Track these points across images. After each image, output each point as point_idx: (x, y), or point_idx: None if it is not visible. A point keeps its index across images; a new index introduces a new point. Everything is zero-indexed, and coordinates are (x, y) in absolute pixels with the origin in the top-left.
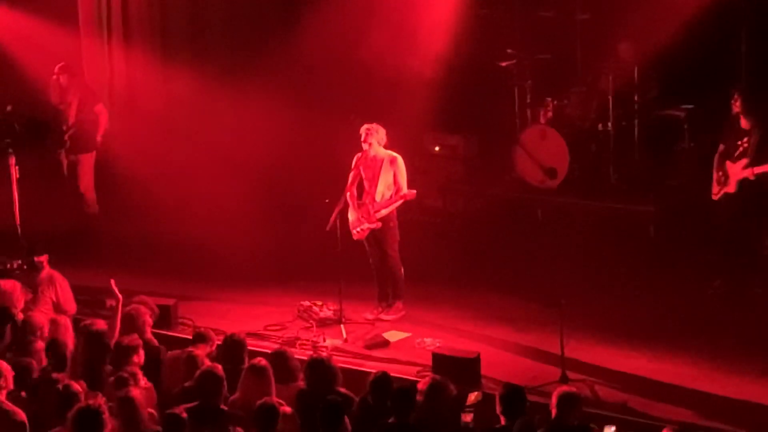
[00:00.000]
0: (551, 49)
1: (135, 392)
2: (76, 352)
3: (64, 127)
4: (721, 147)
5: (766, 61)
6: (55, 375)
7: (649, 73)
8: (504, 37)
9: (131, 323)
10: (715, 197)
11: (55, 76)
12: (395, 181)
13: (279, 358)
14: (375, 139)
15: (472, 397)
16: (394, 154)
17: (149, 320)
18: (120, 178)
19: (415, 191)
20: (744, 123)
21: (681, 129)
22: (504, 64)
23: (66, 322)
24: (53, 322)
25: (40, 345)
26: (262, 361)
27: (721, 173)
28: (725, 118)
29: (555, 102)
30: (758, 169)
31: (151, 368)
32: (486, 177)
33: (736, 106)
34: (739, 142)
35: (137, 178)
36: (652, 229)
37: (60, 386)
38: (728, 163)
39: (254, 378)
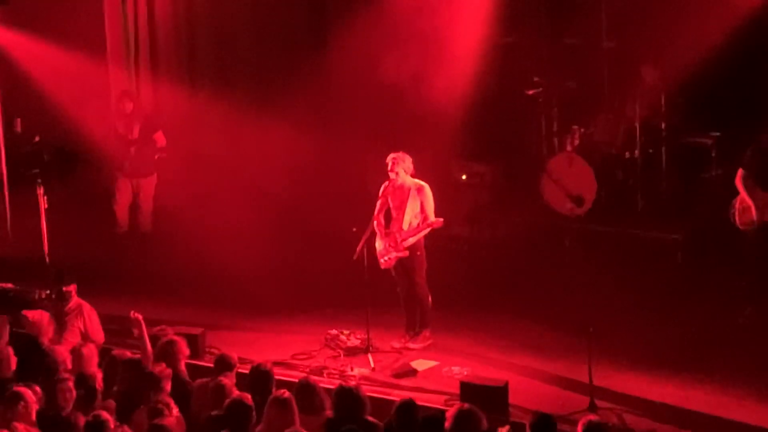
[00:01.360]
0: (577, 77)
1: (169, 421)
2: (105, 382)
3: (127, 153)
4: (743, 172)
5: None
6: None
7: (676, 100)
8: (530, 65)
9: (166, 353)
10: (744, 226)
11: (119, 103)
12: (422, 210)
13: (304, 389)
14: (401, 168)
15: (504, 430)
16: (422, 182)
17: (185, 351)
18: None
19: (442, 219)
20: None
21: (708, 156)
22: (531, 92)
23: (91, 353)
24: (77, 353)
25: (67, 376)
26: (286, 393)
27: (761, 201)
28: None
29: (582, 129)
30: None
31: (180, 398)
32: (513, 205)
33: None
34: None
35: (164, 207)
36: (680, 256)
37: (91, 416)
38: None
39: (278, 409)
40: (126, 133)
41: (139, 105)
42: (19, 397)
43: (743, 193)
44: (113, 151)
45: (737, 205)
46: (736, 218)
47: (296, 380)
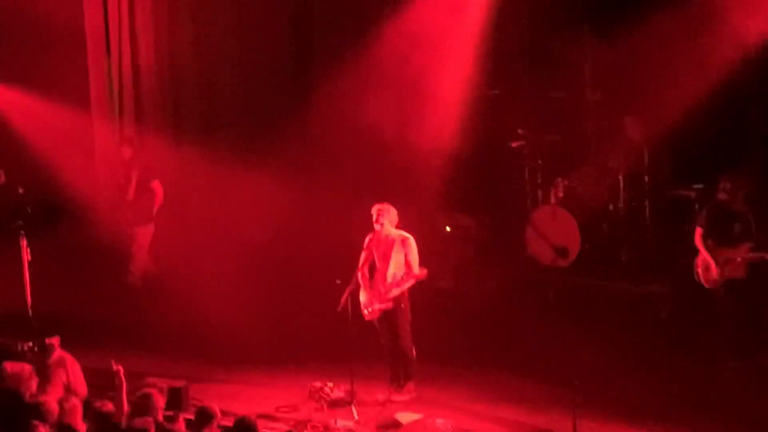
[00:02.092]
0: (562, 130)
1: None
2: None
3: (124, 202)
4: (700, 231)
5: None
6: None
7: (660, 153)
8: (515, 118)
9: (144, 405)
10: (709, 285)
11: (118, 149)
12: (406, 262)
13: None
14: (387, 219)
15: None
16: (406, 234)
17: (161, 403)
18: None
19: (426, 271)
20: (736, 206)
21: (692, 208)
22: (515, 144)
23: (75, 405)
24: (62, 406)
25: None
26: None
27: (722, 259)
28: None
29: (566, 182)
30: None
31: None
32: (498, 257)
33: (725, 192)
34: (733, 225)
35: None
36: (664, 308)
37: None
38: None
39: None
40: (122, 181)
41: (138, 153)
42: None
43: (703, 253)
44: (114, 201)
45: (700, 265)
46: (701, 278)
47: None
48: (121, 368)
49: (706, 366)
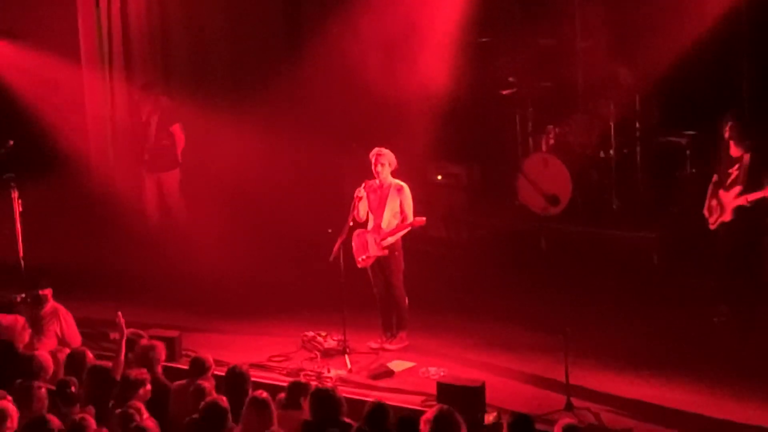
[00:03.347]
0: (552, 77)
1: (148, 424)
2: (81, 386)
3: (145, 146)
4: (715, 177)
5: (767, 87)
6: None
7: (651, 100)
8: (505, 66)
9: (146, 357)
10: (712, 227)
11: (139, 93)
12: (401, 210)
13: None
14: (386, 162)
15: (491, 417)
16: (401, 182)
17: (163, 355)
18: (123, 212)
19: (424, 218)
20: (734, 150)
21: (683, 155)
22: (505, 92)
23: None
24: (54, 358)
25: (41, 384)
26: (263, 394)
27: (715, 202)
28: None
29: (557, 129)
30: (752, 197)
31: (159, 404)
32: (489, 205)
33: (727, 133)
34: (731, 170)
35: (140, 211)
36: (656, 255)
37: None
38: (721, 192)
39: (255, 411)
40: (142, 127)
41: (159, 97)
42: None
43: (710, 197)
44: (135, 144)
45: (707, 207)
46: (709, 221)
47: (272, 382)
48: (122, 319)
49: (698, 312)
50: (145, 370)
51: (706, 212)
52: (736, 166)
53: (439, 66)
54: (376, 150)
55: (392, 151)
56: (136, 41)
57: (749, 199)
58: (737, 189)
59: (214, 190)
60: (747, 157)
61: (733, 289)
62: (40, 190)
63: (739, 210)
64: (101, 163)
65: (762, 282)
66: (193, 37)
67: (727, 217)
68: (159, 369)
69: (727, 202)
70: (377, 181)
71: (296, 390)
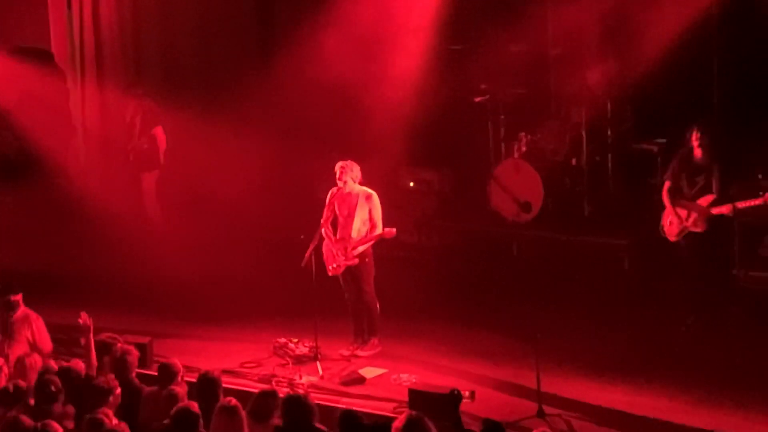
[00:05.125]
0: (524, 84)
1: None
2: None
3: (128, 148)
4: (668, 184)
5: (737, 95)
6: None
7: (623, 107)
8: (477, 72)
9: (122, 361)
10: (674, 238)
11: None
12: (370, 218)
13: (265, 397)
14: (350, 176)
15: (467, 393)
16: (370, 190)
17: (136, 360)
18: (94, 214)
19: (395, 229)
20: (702, 159)
21: (654, 163)
22: (478, 99)
23: (34, 363)
24: (21, 363)
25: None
26: (233, 401)
27: (682, 210)
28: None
29: (529, 136)
30: (742, 204)
31: (130, 409)
32: (461, 211)
33: (696, 142)
34: (697, 179)
35: (111, 214)
36: (627, 262)
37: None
38: (700, 200)
39: (225, 418)
40: (126, 128)
41: (143, 99)
42: None
43: (668, 207)
44: (119, 143)
45: (665, 218)
46: (665, 231)
47: (244, 389)
48: (90, 322)
49: (667, 318)
50: (113, 377)
51: (665, 222)
52: (703, 175)
53: (412, 72)
54: (340, 163)
55: (364, 156)
56: (107, 44)
57: (739, 207)
58: (709, 198)
59: (185, 193)
60: (717, 167)
61: (702, 298)
62: (11, 194)
63: (715, 219)
64: (73, 166)
65: (729, 289)
66: (165, 40)
67: (701, 227)
68: (133, 374)
69: (700, 211)
70: (346, 189)
71: (266, 398)
